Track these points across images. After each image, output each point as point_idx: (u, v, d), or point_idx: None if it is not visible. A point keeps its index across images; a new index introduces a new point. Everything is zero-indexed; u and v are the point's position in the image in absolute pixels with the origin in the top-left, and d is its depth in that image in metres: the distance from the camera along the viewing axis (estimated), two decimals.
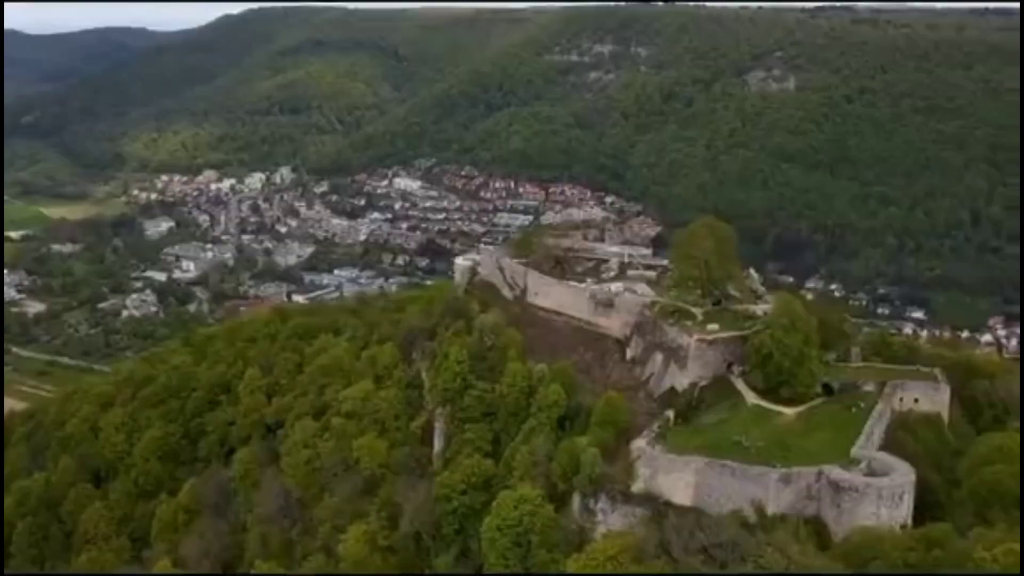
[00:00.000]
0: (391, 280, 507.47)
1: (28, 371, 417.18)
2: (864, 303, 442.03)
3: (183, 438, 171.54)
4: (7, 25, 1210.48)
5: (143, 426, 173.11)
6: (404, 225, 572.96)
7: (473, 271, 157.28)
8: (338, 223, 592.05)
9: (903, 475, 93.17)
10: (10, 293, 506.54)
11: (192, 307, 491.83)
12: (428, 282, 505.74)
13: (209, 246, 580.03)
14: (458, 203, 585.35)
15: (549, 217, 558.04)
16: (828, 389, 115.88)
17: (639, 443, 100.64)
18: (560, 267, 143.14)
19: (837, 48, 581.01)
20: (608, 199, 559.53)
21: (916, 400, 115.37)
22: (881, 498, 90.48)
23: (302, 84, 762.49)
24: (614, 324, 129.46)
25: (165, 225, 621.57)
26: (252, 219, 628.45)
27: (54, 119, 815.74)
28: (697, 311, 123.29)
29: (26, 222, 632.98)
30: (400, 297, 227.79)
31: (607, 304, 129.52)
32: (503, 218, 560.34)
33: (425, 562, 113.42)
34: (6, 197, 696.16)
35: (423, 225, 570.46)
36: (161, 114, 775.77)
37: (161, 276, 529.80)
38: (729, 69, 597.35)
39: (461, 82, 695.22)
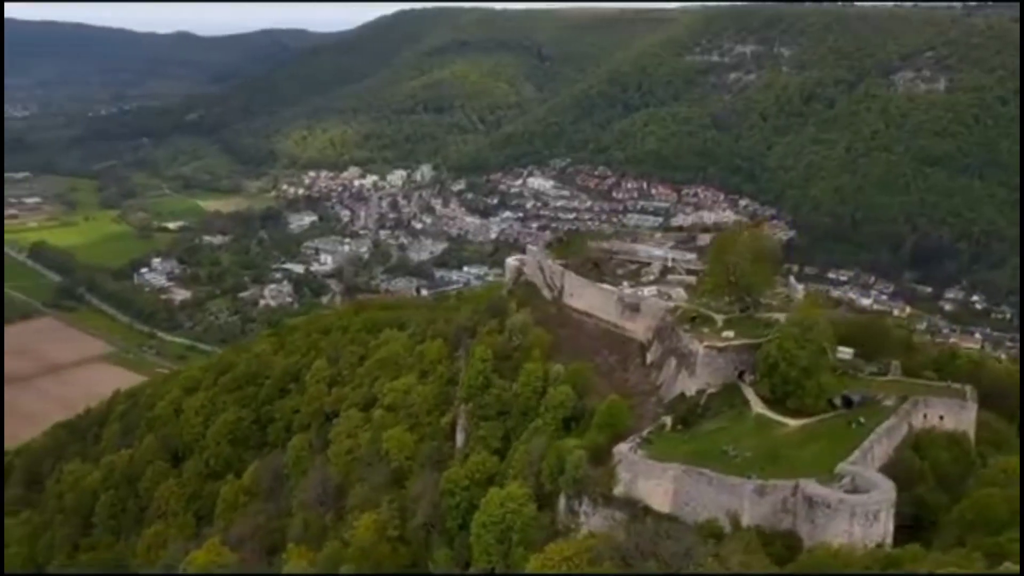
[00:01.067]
0: None
1: (169, 355, 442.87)
2: (1007, 316, 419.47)
3: (254, 423, 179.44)
4: (183, 27, 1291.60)
5: (219, 410, 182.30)
6: (534, 224, 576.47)
7: (519, 271, 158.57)
8: (471, 221, 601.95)
9: (881, 493, 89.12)
10: (160, 280, 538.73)
11: (325, 299, 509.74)
12: None
13: (347, 240, 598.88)
14: (589, 203, 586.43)
15: (679, 219, 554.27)
16: (848, 402, 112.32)
17: (621, 447, 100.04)
18: (598, 269, 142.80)
19: (993, 47, 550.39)
20: (742, 202, 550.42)
21: (941, 417, 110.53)
22: (854, 515, 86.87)
23: (446, 84, 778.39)
24: (639, 328, 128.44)
25: (308, 219, 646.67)
26: (390, 215, 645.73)
27: (216, 117, 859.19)
28: (719, 317, 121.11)
29: (183, 214, 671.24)
30: (466, 294, 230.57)
31: (633, 308, 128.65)
32: (632, 219, 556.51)
33: (429, 555, 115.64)
34: (168, 189, 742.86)
35: (553, 225, 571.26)
36: (312, 112, 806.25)
37: (299, 268, 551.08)
38: (875, 70, 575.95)
39: (600, 82, 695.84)
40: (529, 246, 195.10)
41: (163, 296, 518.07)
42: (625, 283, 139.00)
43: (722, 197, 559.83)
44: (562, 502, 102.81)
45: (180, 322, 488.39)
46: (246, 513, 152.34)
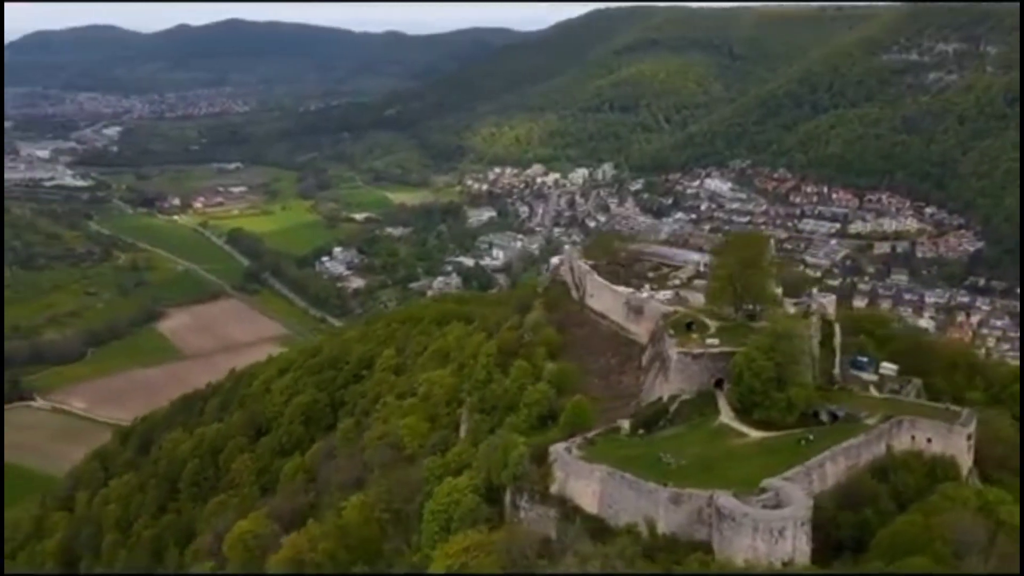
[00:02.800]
0: None
1: None
2: None
3: (327, 406, 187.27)
4: (394, 27, 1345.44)
5: (300, 391, 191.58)
6: (707, 226, 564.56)
7: (559, 270, 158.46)
8: (643, 220, 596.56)
9: (790, 511, 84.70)
10: (339, 268, 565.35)
11: (493, 292, 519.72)
12: None
13: (520, 236, 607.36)
14: (765, 206, 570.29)
15: (858, 226, 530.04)
16: (834, 417, 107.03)
17: (557, 447, 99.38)
18: (624, 271, 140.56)
19: None
20: (927, 210, 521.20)
21: (929, 440, 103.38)
22: (757, 531, 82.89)
23: (634, 82, 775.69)
24: (642, 330, 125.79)
25: (487, 214, 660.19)
26: (567, 213, 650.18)
27: (413, 113, 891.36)
28: (715, 324, 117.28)
29: (371, 205, 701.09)
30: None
31: (637, 310, 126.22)
32: (808, 224, 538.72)
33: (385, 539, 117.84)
34: (361, 182, 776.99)
35: (725, 227, 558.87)
36: (502, 109, 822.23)
37: (471, 262, 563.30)
38: None
39: (790, 81, 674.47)
40: (565, 246, 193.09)
41: (339, 284, 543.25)
42: (647, 286, 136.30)
43: (907, 204, 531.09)
44: (508, 496, 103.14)
45: (351, 308, 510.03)
46: (294, 490, 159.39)
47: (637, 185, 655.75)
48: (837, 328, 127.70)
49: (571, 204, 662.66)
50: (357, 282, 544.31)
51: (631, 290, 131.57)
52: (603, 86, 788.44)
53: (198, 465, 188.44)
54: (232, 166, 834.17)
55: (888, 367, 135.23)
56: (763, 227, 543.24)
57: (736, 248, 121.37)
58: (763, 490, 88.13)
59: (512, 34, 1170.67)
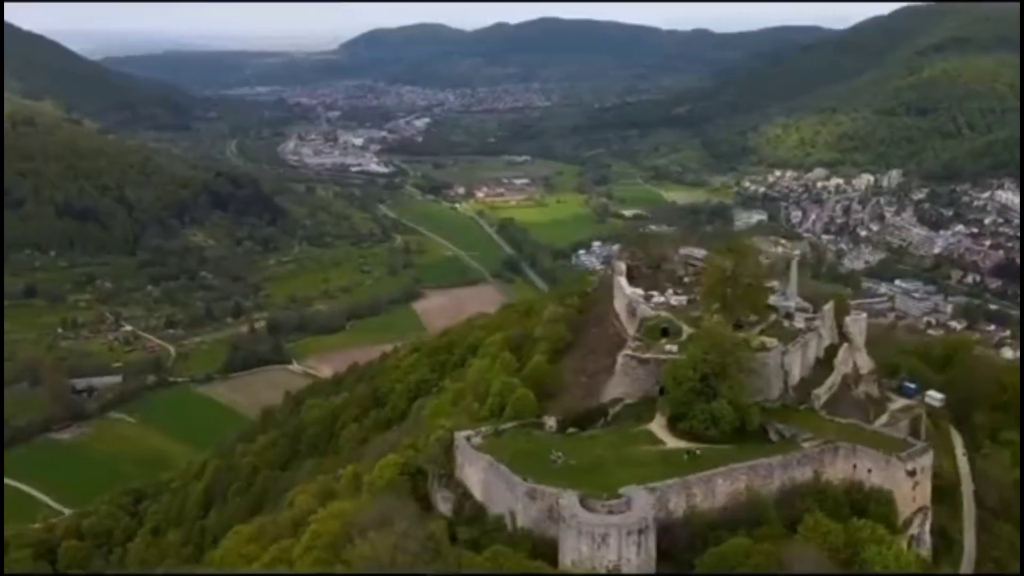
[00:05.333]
0: (949, 299, 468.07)
1: None
2: None
3: (435, 386, 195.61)
4: (702, 25, 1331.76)
5: (416, 370, 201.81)
6: (987, 242, 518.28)
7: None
8: (917, 232, 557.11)
9: (621, 519, 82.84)
10: (593, 263, 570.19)
11: None
12: (992, 306, 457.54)
13: (782, 241, 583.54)
14: None
15: None
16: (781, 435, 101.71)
17: (459, 434, 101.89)
18: (656, 272, 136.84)
19: None
20: None
21: (869, 471, 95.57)
22: (581, 534, 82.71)
23: (936, 84, 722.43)
24: (632, 331, 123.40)
25: (756, 217, 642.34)
26: (839, 220, 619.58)
27: (702, 111, 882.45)
28: (688, 330, 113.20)
29: (642, 203, 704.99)
30: None
31: (631, 312, 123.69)
32: None
33: None
34: (640, 179, 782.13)
35: (1008, 244, 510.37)
36: (792, 110, 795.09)
37: None
38: None
39: None
40: (615, 246, 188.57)
41: (590, 277, 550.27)
42: (670, 288, 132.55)
43: None
44: (431, 478, 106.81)
45: None
46: (369, 459, 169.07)
47: (920, 195, 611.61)
48: (846, 346, 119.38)
49: (846, 211, 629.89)
50: None
51: (640, 292, 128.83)
52: (902, 87, 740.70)
53: (319, 429, 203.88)
54: (521, 159, 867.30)
55: (933, 396, 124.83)
56: None
57: (710, 263, 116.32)
58: (617, 496, 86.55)
59: (822, 32, 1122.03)
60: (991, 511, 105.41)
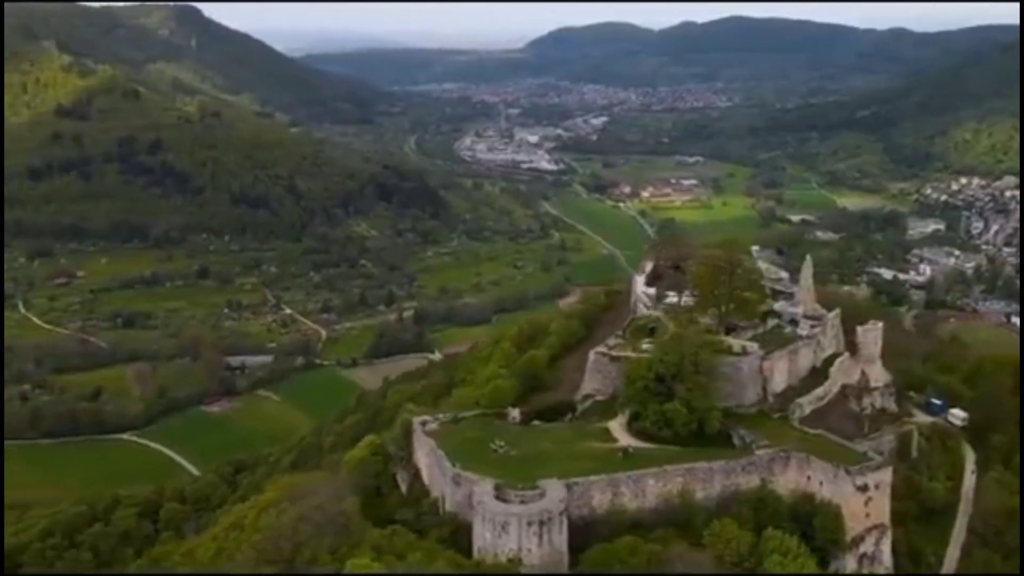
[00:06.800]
0: None
1: None
2: None
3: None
4: (900, 24, 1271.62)
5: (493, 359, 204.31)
6: None
7: None
8: None
9: (523, 509, 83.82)
10: None
11: (902, 310, 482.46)
12: None
13: (957, 253, 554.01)
14: None
15: None
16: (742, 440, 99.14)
17: (417, 419, 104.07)
18: (675, 271, 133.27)
19: None
20: None
21: (820, 483, 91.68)
22: (484, 521, 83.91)
23: None
24: None
25: (932, 227, 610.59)
26: None
27: (888, 114, 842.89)
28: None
29: (812, 208, 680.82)
30: None
31: (633, 309, 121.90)
32: None
33: None
34: (815, 183, 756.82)
35: None
36: (985, 114, 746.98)
37: (888, 274, 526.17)
38: None
39: None
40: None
41: None
42: (688, 289, 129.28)
43: None
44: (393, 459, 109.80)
45: None
46: None
47: None
48: (845, 357, 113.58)
49: None
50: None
51: (653, 291, 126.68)
52: None
53: (392, 413, 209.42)
54: (692, 159, 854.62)
55: (956, 414, 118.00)
56: None
57: (697, 267, 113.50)
58: (534, 487, 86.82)
59: None
60: (980, 537, 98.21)
